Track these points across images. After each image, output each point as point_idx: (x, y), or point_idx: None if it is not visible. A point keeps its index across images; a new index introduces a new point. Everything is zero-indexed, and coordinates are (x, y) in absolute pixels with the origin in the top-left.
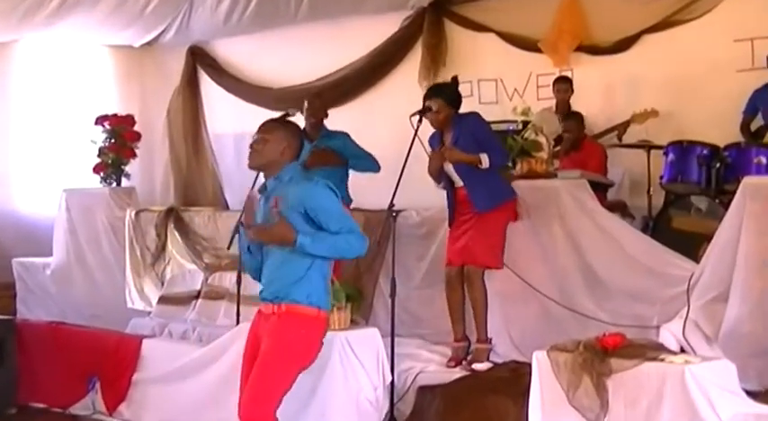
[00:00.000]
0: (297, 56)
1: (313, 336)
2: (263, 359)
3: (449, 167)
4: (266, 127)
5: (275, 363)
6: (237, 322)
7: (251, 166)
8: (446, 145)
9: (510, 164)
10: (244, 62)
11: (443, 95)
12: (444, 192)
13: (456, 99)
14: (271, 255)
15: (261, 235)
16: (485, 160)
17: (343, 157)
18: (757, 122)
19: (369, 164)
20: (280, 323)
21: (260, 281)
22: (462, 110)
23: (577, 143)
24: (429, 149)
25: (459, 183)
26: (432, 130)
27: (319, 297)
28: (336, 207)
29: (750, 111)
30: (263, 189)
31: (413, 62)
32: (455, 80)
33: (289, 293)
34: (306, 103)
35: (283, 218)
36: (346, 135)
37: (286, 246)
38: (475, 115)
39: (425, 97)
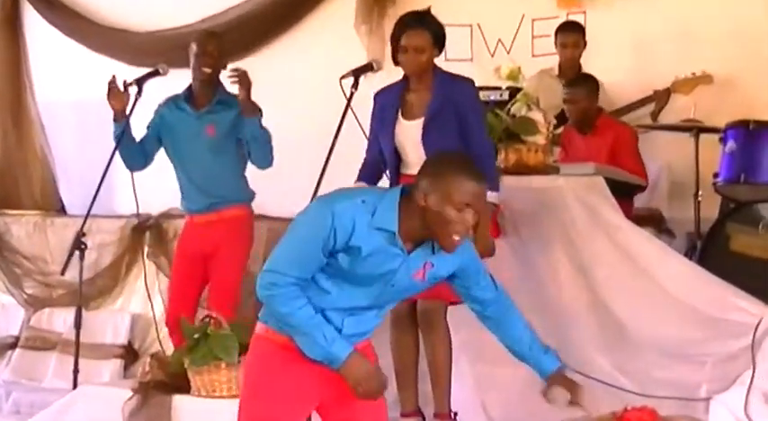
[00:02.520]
0: None
1: None
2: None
3: (405, 139)
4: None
5: None
6: (75, 384)
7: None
8: (404, 116)
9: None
10: None
11: (430, 27)
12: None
13: (443, 37)
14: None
15: None
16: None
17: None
18: None
19: (266, 155)
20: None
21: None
22: None
23: (588, 121)
24: (370, 121)
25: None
26: (378, 85)
27: None
28: None
29: None
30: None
31: None
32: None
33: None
34: (195, 47)
35: None
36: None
37: None
38: (470, 84)
39: (400, 26)
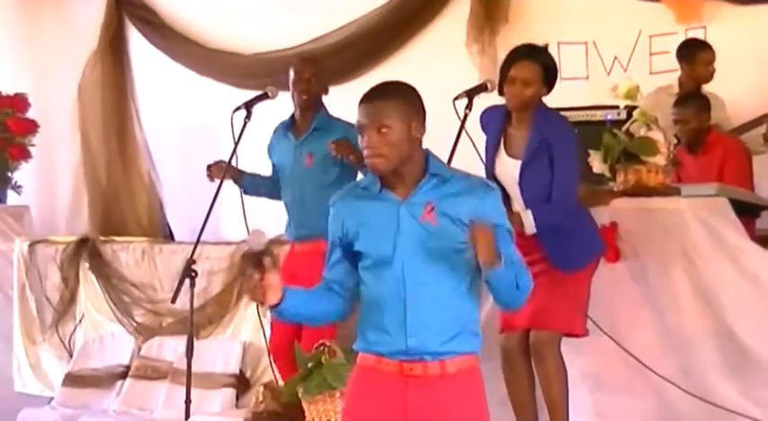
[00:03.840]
0: (279, 7)
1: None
2: None
3: (505, 176)
4: (377, 103)
5: None
6: (188, 415)
7: (380, 172)
8: (506, 151)
9: (608, 173)
10: (198, 15)
11: (541, 61)
12: None
13: (554, 73)
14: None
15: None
16: (527, 222)
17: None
18: None
19: None
20: (455, 388)
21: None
22: None
23: (698, 141)
24: (482, 142)
25: (519, 206)
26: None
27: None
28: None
29: None
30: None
31: (456, 17)
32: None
33: (453, 343)
34: (291, 73)
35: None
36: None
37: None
38: (564, 125)
39: (511, 56)
